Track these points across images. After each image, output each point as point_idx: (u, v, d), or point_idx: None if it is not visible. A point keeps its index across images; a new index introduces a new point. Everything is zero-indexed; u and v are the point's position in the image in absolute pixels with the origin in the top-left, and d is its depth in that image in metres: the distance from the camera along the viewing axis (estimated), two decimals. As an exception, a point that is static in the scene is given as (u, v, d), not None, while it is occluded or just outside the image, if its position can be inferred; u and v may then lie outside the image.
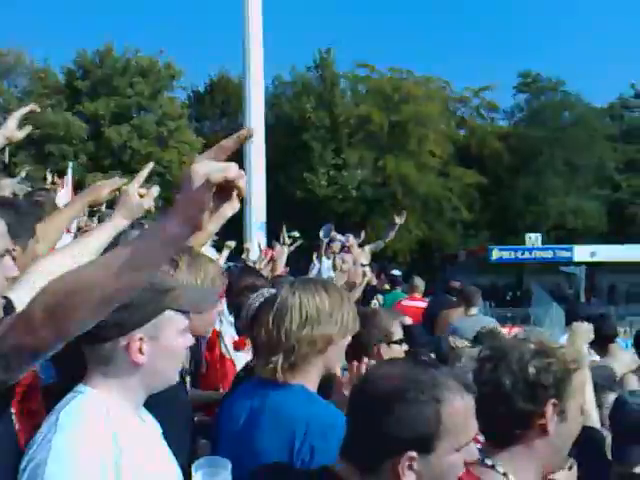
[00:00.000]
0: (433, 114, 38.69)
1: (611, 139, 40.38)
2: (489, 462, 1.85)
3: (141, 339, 1.74)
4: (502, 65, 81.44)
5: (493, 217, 40.20)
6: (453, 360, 4.06)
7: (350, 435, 1.65)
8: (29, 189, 4.10)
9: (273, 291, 3.43)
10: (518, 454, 1.84)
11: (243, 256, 8.08)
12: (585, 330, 3.66)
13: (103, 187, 2.71)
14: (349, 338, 2.26)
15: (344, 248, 10.11)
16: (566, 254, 33.38)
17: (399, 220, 9.94)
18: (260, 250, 8.35)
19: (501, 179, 40.16)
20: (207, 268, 2.47)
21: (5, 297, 1.83)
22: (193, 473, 1.87)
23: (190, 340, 1.87)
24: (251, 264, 7.43)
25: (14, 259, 2.03)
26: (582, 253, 33.07)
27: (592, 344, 4.35)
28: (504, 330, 6.28)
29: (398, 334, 3.15)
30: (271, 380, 2.17)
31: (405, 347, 3.22)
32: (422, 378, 1.55)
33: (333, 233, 10.45)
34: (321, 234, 10.49)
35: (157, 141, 35.14)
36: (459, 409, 1.56)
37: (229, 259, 6.75)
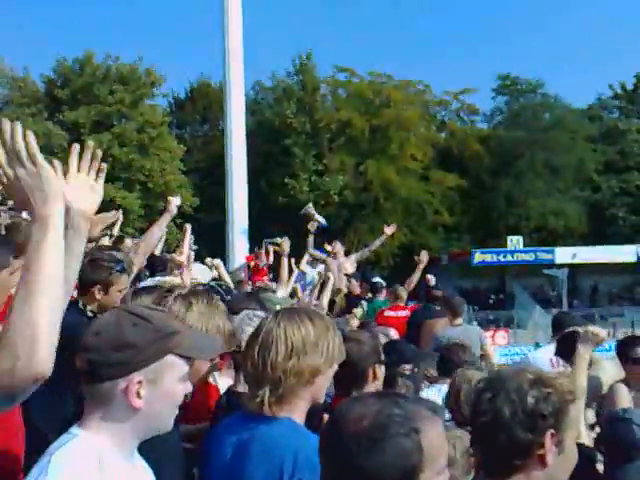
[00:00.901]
0: (414, 118, 38.83)
1: (590, 140, 40.69)
2: None
3: (140, 382, 1.69)
4: (481, 68, 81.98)
5: (475, 220, 40.38)
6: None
7: (327, 478, 1.59)
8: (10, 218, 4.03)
9: (258, 313, 3.44)
10: None
11: (214, 274, 7.94)
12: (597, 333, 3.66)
13: (97, 223, 2.65)
14: (335, 367, 2.24)
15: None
16: (547, 256, 33.59)
17: (389, 231, 10.00)
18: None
19: (482, 182, 40.35)
20: (219, 322, 2.45)
21: None
22: None
23: (189, 387, 1.81)
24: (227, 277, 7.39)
25: None
26: (563, 255, 33.30)
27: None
28: (487, 334, 6.30)
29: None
30: (258, 414, 2.14)
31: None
32: (397, 412, 1.52)
33: (312, 211, 10.48)
34: (307, 212, 10.52)
35: (138, 149, 34.94)
36: (436, 436, 1.55)
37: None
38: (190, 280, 5.85)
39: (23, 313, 1.53)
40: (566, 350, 4.37)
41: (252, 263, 7.88)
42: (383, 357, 3.12)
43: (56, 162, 1.77)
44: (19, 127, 1.68)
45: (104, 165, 1.93)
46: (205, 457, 2.32)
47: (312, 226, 9.44)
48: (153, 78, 37.16)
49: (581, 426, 2.94)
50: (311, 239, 9.28)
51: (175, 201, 4.96)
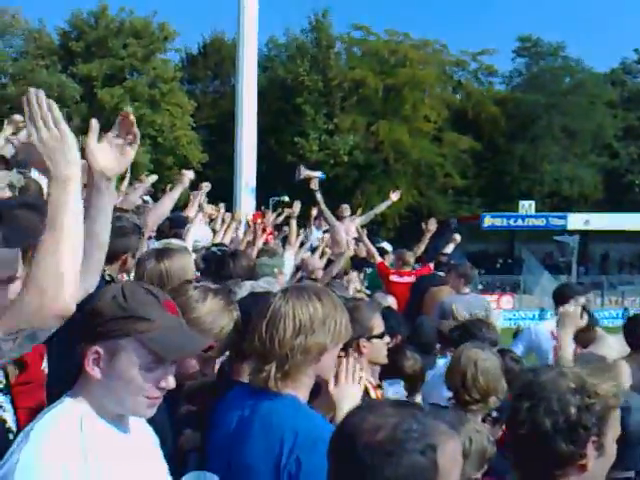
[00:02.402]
0: (429, 78, 38.34)
1: (611, 105, 40.06)
2: None
3: (97, 353, 1.74)
4: (501, 29, 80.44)
5: (487, 184, 40.06)
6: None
7: None
8: (24, 179, 4.02)
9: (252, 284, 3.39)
10: None
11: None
12: (573, 315, 3.64)
13: None
14: (341, 345, 2.24)
15: (319, 218, 10.06)
16: (559, 222, 33.26)
17: (394, 197, 9.91)
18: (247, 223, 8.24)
19: (497, 145, 39.94)
20: (223, 323, 2.46)
21: None
22: None
23: (170, 382, 1.78)
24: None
25: None
26: (576, 221, 32.96)
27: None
28: (493, 297, 6.20)
29: (379, 328, 3.12)
30: (263, 389, 2.15)
31: (387, 339, 3.21)
32: (415, 427, 1.47)
33: (305, 171, 10.38)
34: (298, 176, 10.44)
35: (149, 103, 34.77)
36: (452, 452, 1.52)
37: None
38: (193, 242, 5.80)
39: (48, 257, 1.67)
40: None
41: (259, 221, 7.79)
42: (378, 331, 3.09)
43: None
44: (43, 94, 1.78)
45: (137, 131, 2.05)
46: (208, 429, 2.35)
47: (314, 184, 9.31)
48: (166, 33, 36.91)
49: None
50: (319, 196, 9.15)
51: (189, 174, 5.26)
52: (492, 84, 44.20)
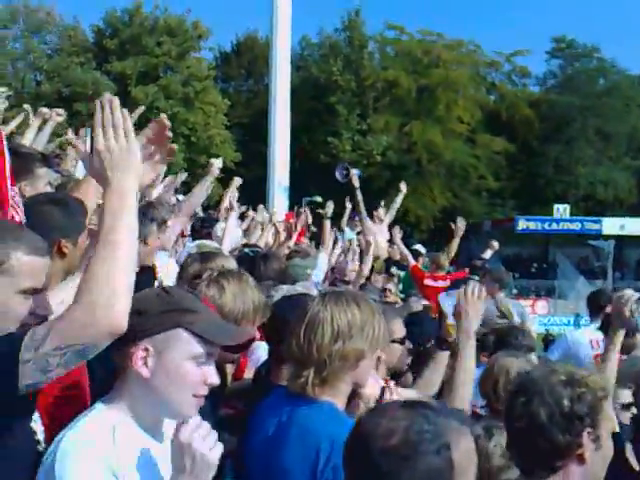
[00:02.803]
0: (463, 79, 38.06)
1: (646, 108, 39.36)
2: None
3: (146, 350, 1.72)
4: (536, 30, 79.54)
5: (520, 186, 39.61)
6: None
7: None
8: (61, 177, 4.08)
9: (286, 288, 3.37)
10: None
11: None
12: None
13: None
14: (379, 352, 2.22)
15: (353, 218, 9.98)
16: (594, 226, 32.82)
17: (403, 188, 9.93)
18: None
19: (531, 147, 39.48)
20: (250, 298, 2.56)
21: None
22: None
23: (214, 378, 1.78)
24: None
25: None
26: (611, 225, 32.49)
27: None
28: (528, 302, 6.11)
29: (399, 332, 3.16)
30: (300, 394, 2.14)
31: (407, 345, 3.26)
32: (427, 428, 1.49)
33: (345, 169, 10.27)
34: (337, 176, 10.34)
35: (183, 102, 34.97)
36: (466, 448, 1.54)
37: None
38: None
39: (103, 271, 1.61)
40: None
41: (291, 221, 7.73)
42: (397, 336, 3.13)
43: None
44: (117, 102, 1.72)
45: (175, 146, 1.93)
46: (246, 434, 2.35)
47: (355, 181, 9.25)
48: (200, 31, 37.04)
49: (611, 412, 2.85)
50: (359, 195, 9.07)
51: (217, 163, 5.15)
52: (526, 85, 43.80)
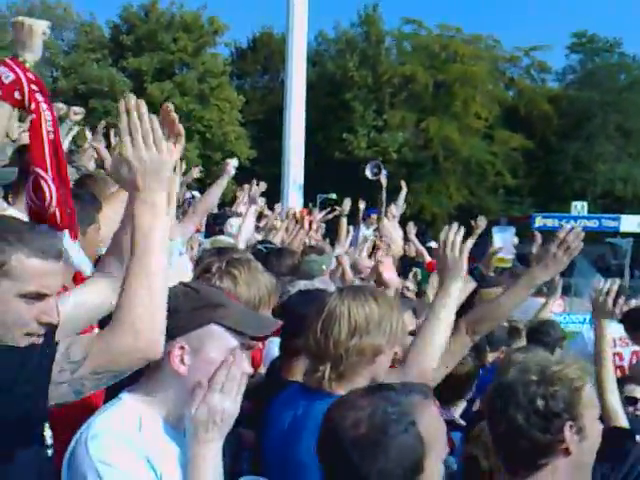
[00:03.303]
0: (481, 74, 37.75)
1: (667, 104, 38.85)
2: None
3: (182, 348, 1.73)
4: (555, 25, 78.65)
5: (538, 183, 39.25)
6: None
7: None
8: (78, 172, 4.09)
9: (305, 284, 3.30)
10: (542, 478, 1.87)
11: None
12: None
13: None
14: (397, 348, 2.24)
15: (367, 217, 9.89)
16: (612, 224, 32.38)
17: (404, 186, 9.84)
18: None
19: (549, 143, 39.11)
20: (262, 283, 2.61)
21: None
22: None
23: (247, 368, 1.78)
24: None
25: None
26: (629, 223, 32.02)
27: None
28: (543, 300, 6.06)
29: (410, 325, 3.17)
30: (317, 389, 2.15)
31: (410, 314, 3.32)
32: (390, 409, 1.55)
33: (374, 166, 10.15)
34: (367, 173, 10.24)
35: (198, 98, 35.05)
36: (432, 420, 1.59)
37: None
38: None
39: (143, 297, 1.60)
40: (635, 326, 4.41)
41: (306, 217, 7.69)
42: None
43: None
44: (145, 107, 1.66)
45: (181, 129, 1.84)
46: (262, 428, 2.36)
47: (384, 179, 9.17)
48: (216, 26, 37.17)
49: (618, 407, 2.97)
50: (384, 195, 9.00)
51: (233, 163, 5.24)
52: (545, 81, 43.36)
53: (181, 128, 1.83)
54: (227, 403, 1.71)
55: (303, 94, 21.77)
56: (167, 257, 1.69)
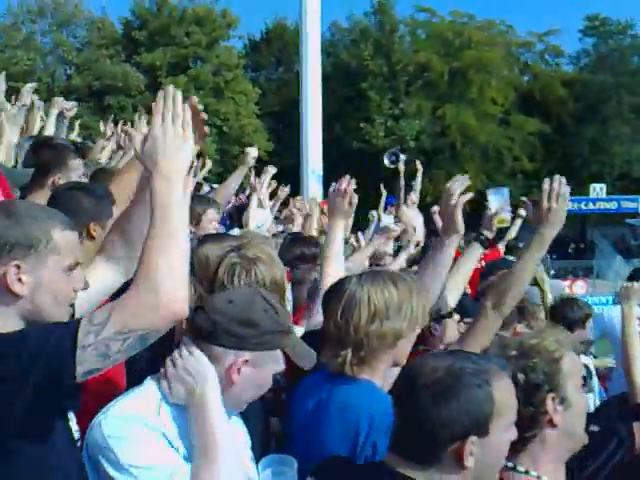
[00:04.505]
0: (495, 60, 37.43)
1: (682, 85, 38.38)
2: (509, 464, 1.88)
3: (247, 362, 1.85)
4: (568, 8, 77.63)
5: (556, 167, 38.85)
6: None
7: (401, 429, 1.68)
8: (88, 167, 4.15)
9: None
10: (534, 451, 1.91)
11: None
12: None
13: None
14: (418, 331, 2.25)
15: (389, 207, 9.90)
16: (631, 205, 32.19)
17: (420, 167, 9.74)
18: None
19: (565, 127, 38.80)
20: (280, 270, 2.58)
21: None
22: (260, 471, 1.93)
23: (270, 382, 1.97)
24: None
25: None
26: (648, 204, 31.81)
27: None
28: (566, 283, 6.06)
29: (447, 307, 3.14)
30: (339, 373, 2.17)
31: (457, 317, 3.26)
32: (469, 365, 1.61)
33: (393, 153, 10.12)
34: (386, 161, 10.21)
35: (214, 92, 34.94)
36: (506, 390, 1.63)
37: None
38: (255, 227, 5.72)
39: (160, 256, 1.62)
40: None
41: (325, 208, 7.69)
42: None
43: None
44: (180, 96, 1.77)
45: (207, 129, 1.99)
46: (287, 414, 2.42)
47: (401, 166, 9.11)
48: (229, 19, 36.90)
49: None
50: (402, 182, 8.94)
51: (252, 152, 5.05)
52: (559, 65, 42.84)
53: (207, 130, 1.97)
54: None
55: (319, 85, 21.74)
56: (186, 228, 1.72)
